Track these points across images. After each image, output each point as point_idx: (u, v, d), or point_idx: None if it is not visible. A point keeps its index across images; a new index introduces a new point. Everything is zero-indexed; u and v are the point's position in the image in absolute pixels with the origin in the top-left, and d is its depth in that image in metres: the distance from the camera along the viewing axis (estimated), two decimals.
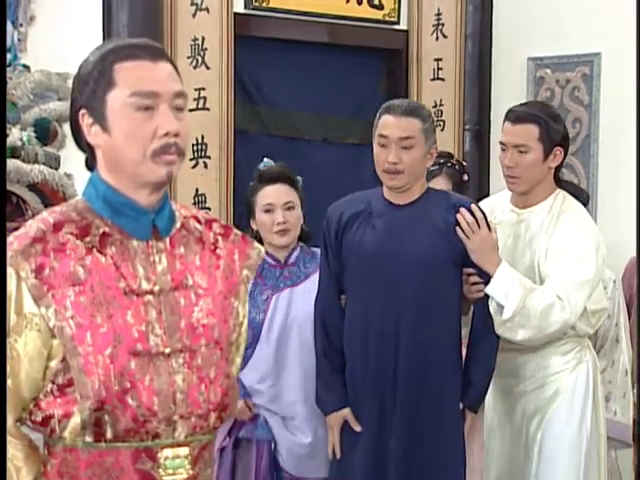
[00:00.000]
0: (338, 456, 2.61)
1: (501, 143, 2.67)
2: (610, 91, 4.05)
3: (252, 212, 2.76)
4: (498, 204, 2.76)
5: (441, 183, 3.00)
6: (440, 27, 4.19)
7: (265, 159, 2.87)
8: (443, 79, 4.22)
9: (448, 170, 3.02)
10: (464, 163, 3.17)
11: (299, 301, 2.70)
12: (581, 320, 2.61)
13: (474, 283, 2.57)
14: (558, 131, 2.63)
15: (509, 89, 4.20)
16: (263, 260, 2.44)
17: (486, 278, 2.54)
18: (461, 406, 2.60)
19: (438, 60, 4.20)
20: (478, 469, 2.83)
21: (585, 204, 3.15)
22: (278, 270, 2.74)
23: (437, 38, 4.19)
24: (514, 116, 2.64)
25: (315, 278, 2.68)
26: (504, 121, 2.68)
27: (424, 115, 2.57)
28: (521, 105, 2.74)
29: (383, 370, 2.53)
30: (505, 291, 2.49)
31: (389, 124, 2.52)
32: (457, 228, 2.53)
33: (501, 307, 2.51)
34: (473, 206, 2.57)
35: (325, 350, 2.61)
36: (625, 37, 3.78)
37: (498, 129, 4.34)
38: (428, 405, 2.53)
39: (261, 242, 2.69)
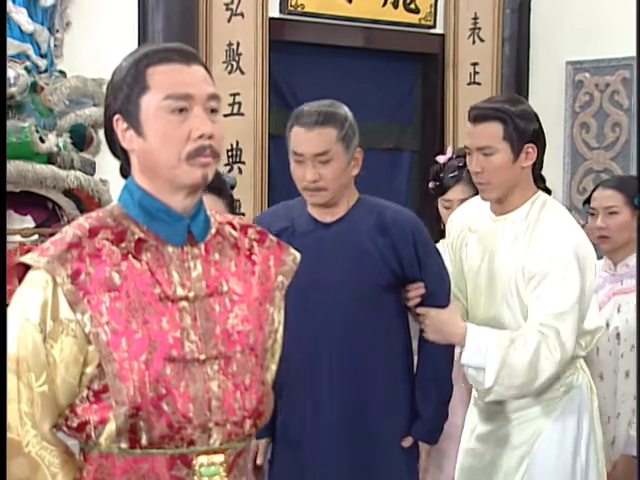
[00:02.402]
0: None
1: (465, 147, 2.40)
2: None
3: None
4: (478, 209, 2.46)
5: (460, 191, 2.78)
6: (477, 31, 4.16)
7: None
8: (480, 83, 4.19)
9: (468, 175, 2.73)
10: None
11: None
12: None
13: (417, 305, 2.32)
14: (527, 126, 2.32)
15: (547, 93, 4.16)
16: None
17: (434, 303, 2.30)
18: (412, 441, 2.37)
19: (475, 64, 4.18)
20: None
21: None
22: None
23: (474, 42, 4.16)
24: (474, 115, 2.35)
25: None
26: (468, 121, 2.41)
27: (339, 120, 2.27)
28: (484, 101, 2.42)
29: (316, 417, 2.31)
30: (481, 360, 2.24)
31: (301, 140, 2.25)
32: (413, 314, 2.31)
33: (482, 370, 2.27)
34: (417, 286, 2.29)
35: None
36: None
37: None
38: (368, 449, 2.31)
39: None
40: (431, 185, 2.87)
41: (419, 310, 2.32)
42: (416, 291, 2.33)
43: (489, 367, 2.24)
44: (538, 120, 2.38)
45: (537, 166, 2.39)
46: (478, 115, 2.34)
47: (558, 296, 2.27)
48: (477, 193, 2.76)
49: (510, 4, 4.18)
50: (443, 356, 2.39)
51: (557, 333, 2.25)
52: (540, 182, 2.42)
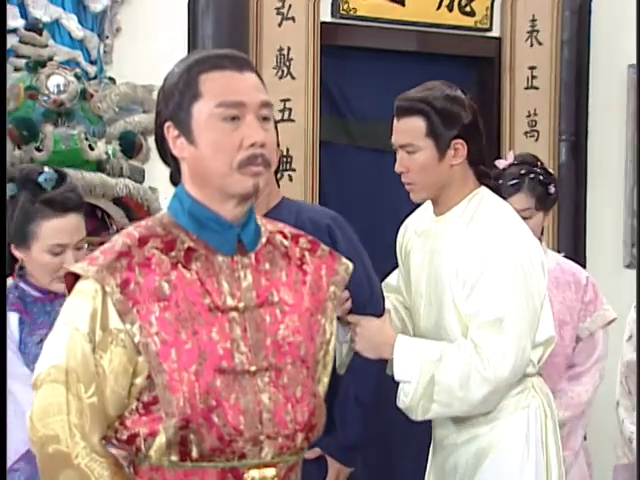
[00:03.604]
0: None
1: (393, 144, 2.18)
2: None
3: (24, 240, 2.09)
4: (426, 212, 2.26)
5: (520, 201, 2.57)
6: (535, 33, 4.07)
7: (45, 169, 2.14)
8: (537, 88, 4.10)
9: (530, 183, 2.58)
10: (551, 171, 2.73)
11: None
12: None
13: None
14: (454, 120, 2.08)
15: (608, 97, 4.05)
16: (24, 292, 2.09)
17: (365, 311, 2.14)
18: (318, 453, 2.22)
19: (532, 68, 4.08)
20: None
21: None
22: (48, 304, 2.12)
23: (531, 45, 4.07)
24: (396, 108, 2.13)
25: None
26: None
27: None
28: (410, 92, 2.16)
29: None
30: (409, 375, 2.05)
31: None
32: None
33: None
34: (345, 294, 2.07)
35: None
36: None
37: (596, 140, 4.22)
38: None
39: (16, 272, 2.12)
40: None
41: (350, 318, 2.16)
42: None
43: (413, 382, 2.04)
44: (473, 111, 2.15)
45: (476, 161, 2.16)
46: (400, 109, 2.13)
47: (493, 301, 2.02)
48: (538, 202, 2.65)
49: (569, 5, 4.08)
50: (370, 372, 2.24)
51: (492, 344, 2.00)
52: (485, 178, 2.20)
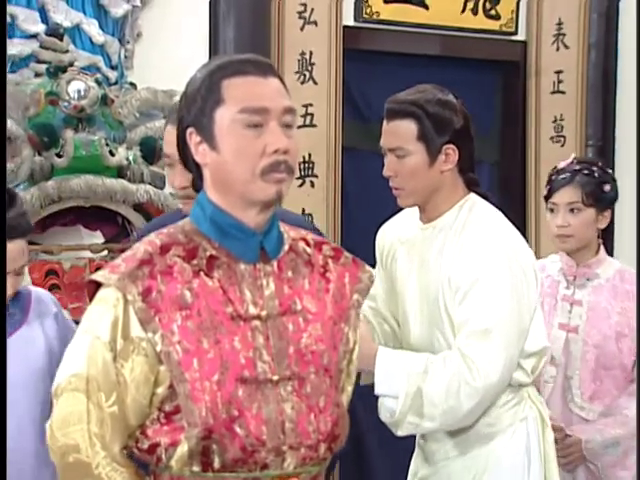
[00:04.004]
0: None
1: (381, 147, 2.12)
2: None
3: None
4: (409, 219, 2.20)
5: (569, 193, 2.53)
6: (561, 37, 4.04)
7: None
8: (564, 92, 4.07)
9: (582, 178, 2.53)
10: (609, 171, 2.65)
11: (10, 360, 2.03)
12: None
13: None
14: (446, 124, 2.03)
15: (635, 102, 3.98)
16: None
17: None
18: None
19: (559, 72, 4.05)
20: None
21: None
22: None
23: (558, 49, 4.04)
24: (387, 110, 2.08)
25: (25, 328, 2.08)
26: None
27: None
28: (402, 94, 2.10)
29: None
30: (392, 388, 1.98)
31: (165, 140, 2.14)
32: None
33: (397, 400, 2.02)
34: None
35: None
36: None
37: (623, 146, 4.18)
38: None
39: None
40: (545, 192, 2.65)
41: None
42: None
43: (401, 396, 1.97)
44: (465, 117, 2.09)
45: (465, 168, 2.10)
46: (390, 111, 2.07)
47: (484, 310, 1.97)
48: (587, 198, 2.56)
49: (597, 8, 4.04)
50: None
51: (480, 353, 1.95)
52: (474, 186, 2.14)
